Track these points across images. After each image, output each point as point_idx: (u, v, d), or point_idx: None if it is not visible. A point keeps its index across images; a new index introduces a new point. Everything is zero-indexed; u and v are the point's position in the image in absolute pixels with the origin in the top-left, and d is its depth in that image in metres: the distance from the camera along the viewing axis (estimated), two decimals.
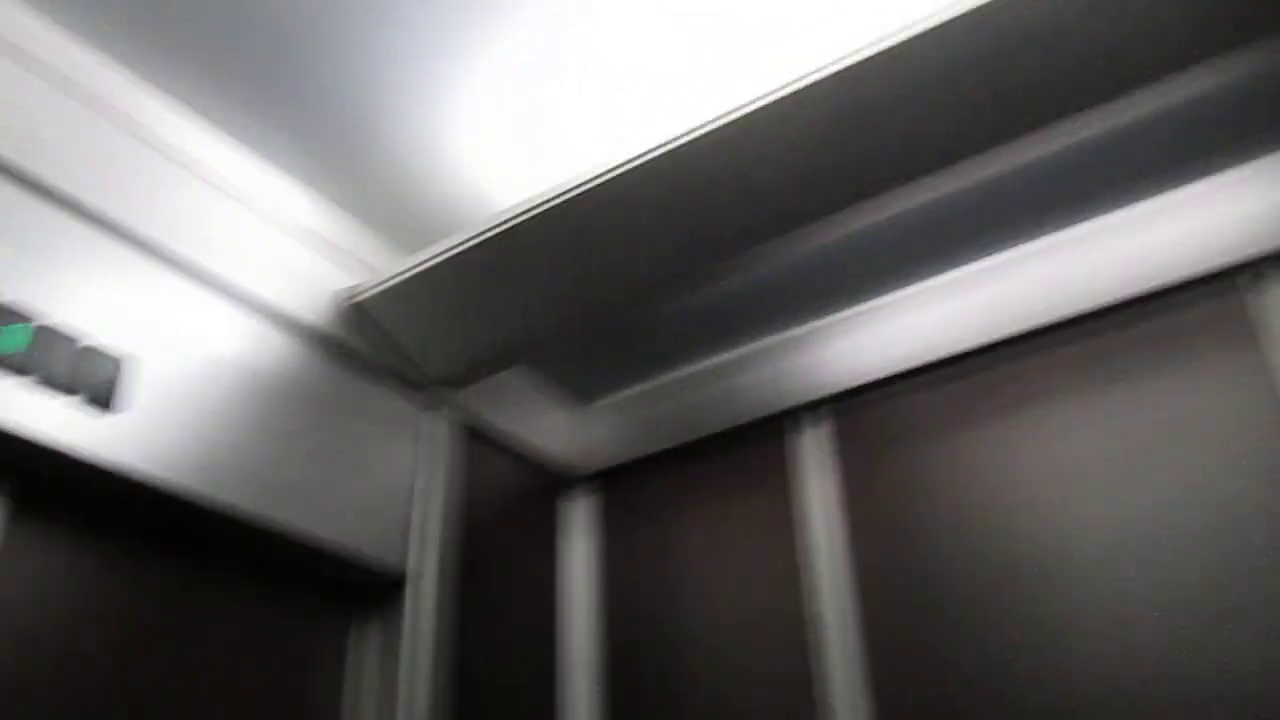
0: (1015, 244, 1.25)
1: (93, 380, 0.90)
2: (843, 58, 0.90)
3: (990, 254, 1.26)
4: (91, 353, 0.91)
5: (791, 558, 1.28)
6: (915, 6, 0.89)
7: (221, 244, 1.06)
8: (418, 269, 1.13)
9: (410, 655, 1.14)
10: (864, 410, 1.31)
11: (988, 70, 0.89)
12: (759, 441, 1.37)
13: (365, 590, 1.17)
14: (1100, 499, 1.11)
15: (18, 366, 0.85)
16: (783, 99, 0.93)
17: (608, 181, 1.01)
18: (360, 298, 1.16)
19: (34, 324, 0.87)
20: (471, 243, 1.09)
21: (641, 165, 0.99)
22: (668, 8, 0.98)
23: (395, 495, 1.20)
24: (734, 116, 0.95)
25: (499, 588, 1.34)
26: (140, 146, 1.01)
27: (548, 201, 1.04)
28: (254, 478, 1.02)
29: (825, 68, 0.91)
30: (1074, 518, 1.12)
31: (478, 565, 1.30)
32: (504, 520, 1.39)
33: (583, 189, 1.02)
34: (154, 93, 1.04)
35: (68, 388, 0.88)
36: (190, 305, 1.02)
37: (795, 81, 0.92)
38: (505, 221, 1.07)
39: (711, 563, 1.35)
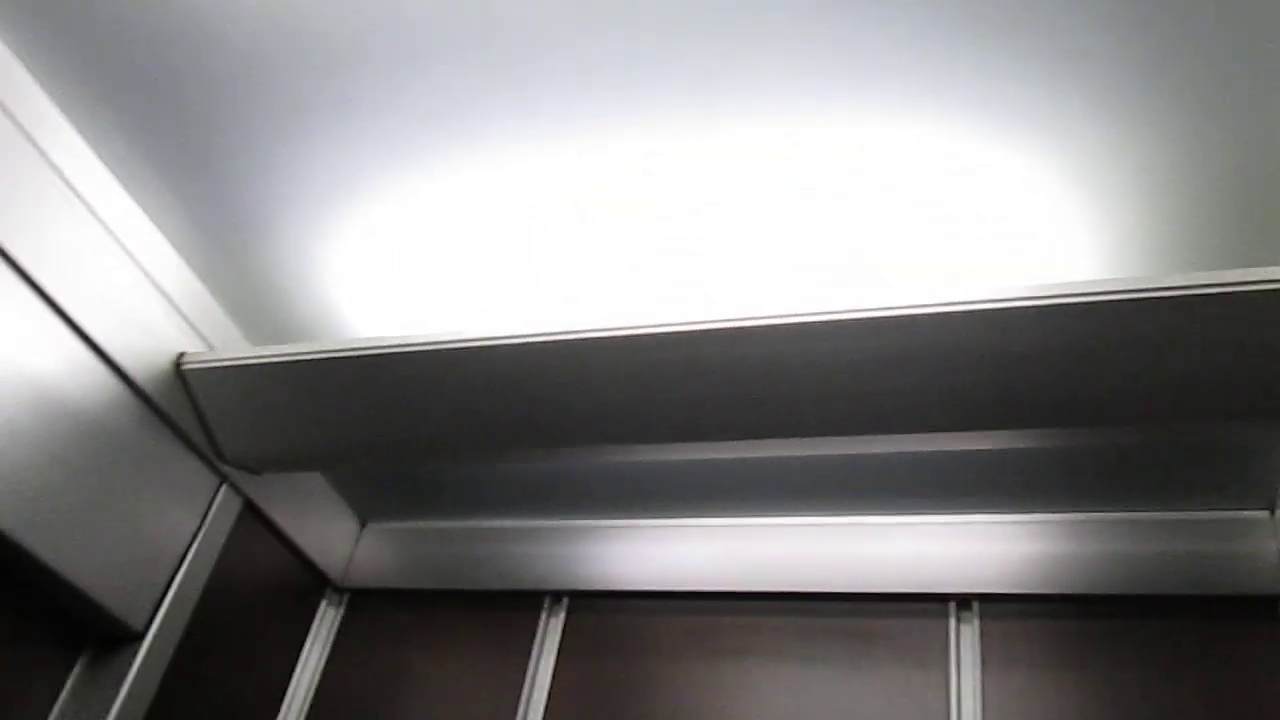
0: (774, 515, 1.39)
1: None
2: (664, 324, 1.02)
3: (752, 516, 1.40)
4: None
5: None
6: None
7: (74, 271, 1.10)
8: (251, 360, 1.19)
9: (123, 709, 1.16)
10: (600, 613, 1.41)
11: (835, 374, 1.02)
12: (511, 611, 1.45)
13: (99, 640, 1.19)
14: None
15: None
16: (617, 337, 1.04)
17: (448, 351, 1.10)
18: (187, 367, 1.22)
19: None
20: (309, 356, 1.16)
21: (479, 348, 1.09)
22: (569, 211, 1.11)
23: (165, 558, 1.24)
24: (579, 336, 1.05)
25: (234, 669, 1.37)
26: (29, 158, 1.05)
27: (390, 347, 1.13)
28: (26, 501, 1.04)
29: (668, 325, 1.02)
30: None
31: (221, 643, 1.34)
32: (262, 610, 1.43)
33: (423, 348, 1.11)
34: (57, 114, 1.09)
35: None
36: (23, 317, 1.06)
37: (625, 328, 1.04)
38: (346, 350, 1.15)
39: (432, 708, 1.40)
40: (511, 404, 1.13)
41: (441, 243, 1.16)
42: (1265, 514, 1.21)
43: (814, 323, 0.98)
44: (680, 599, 1.37)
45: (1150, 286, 0.90)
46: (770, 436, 1.08)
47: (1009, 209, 1.00)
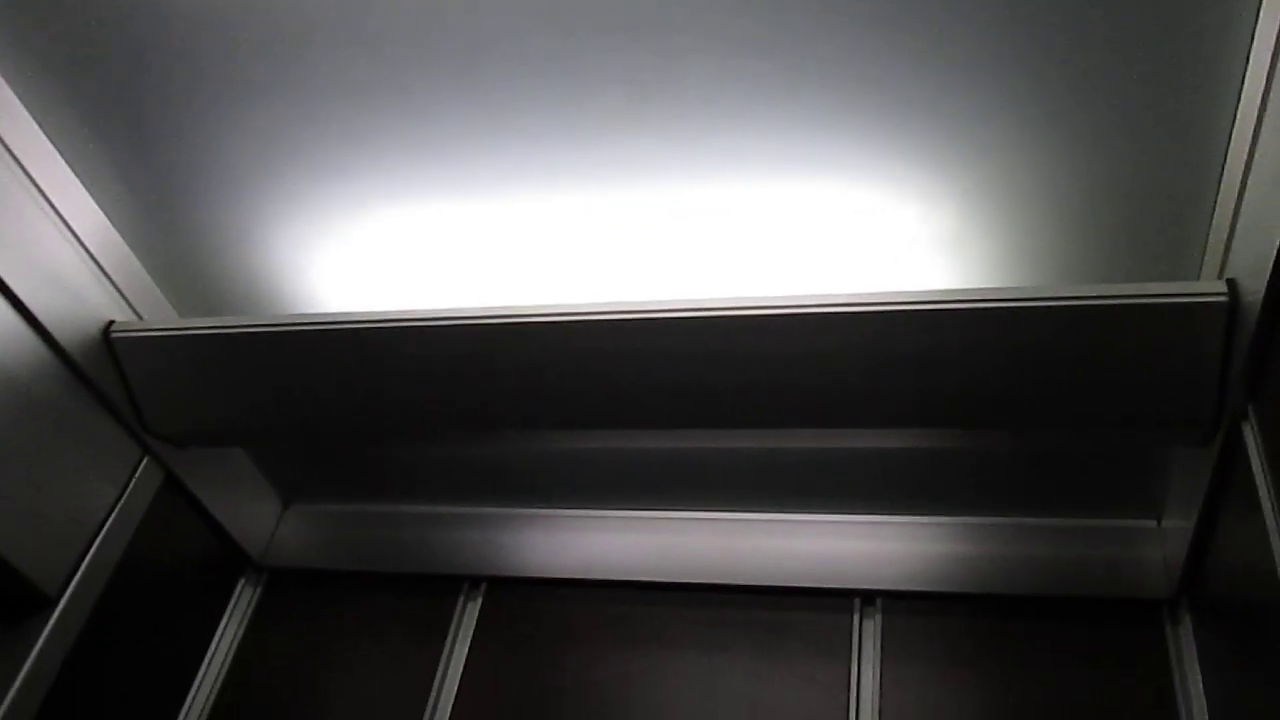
0: (690, 509, 1.43)
1: None
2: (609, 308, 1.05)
3: (668, 509, 1.44)
4: None
5: (420, 713, 1.36)
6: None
7: (2, 232, 1.10)
8: (181, 331, 1.20)
9: (30, 674, 1.16)
10: (516, 599, 1.44)
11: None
12: (428, 596, 1.46)
13: (10, 603, 1.19)
14: None
15: None
16: (550, 322, 1.07)
17: (381, 329, 1.12)
18: (116, 335, 1.22)
19: None
20: (240, 329, 1.17)
21: (414, 326, 1.11)
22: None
23: (83, 525, 1.24)
24: (514, 319, 1.08)
25: (148, 640, 1.38)
26: None
27: (320, 324, 1.14)
28: None
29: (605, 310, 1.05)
30: None
31: (136, 614, 1.34)
32: (179, 584, 1.44)
33: (355, 324, 1.13)
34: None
35: None
36: None
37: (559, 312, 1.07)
38: (275, 324, 1.16)
39: (345, 688, 1.41)
40: (446, 385, 1.15)
41: (384, 221, 1.18)
42: (1153, 523, 1.27)
43: (740, 315, 1.01)
44: (596, 587, 1.40)
45: (1062, 295, 0.95)
46: (692, 427, 1.11)
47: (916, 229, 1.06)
